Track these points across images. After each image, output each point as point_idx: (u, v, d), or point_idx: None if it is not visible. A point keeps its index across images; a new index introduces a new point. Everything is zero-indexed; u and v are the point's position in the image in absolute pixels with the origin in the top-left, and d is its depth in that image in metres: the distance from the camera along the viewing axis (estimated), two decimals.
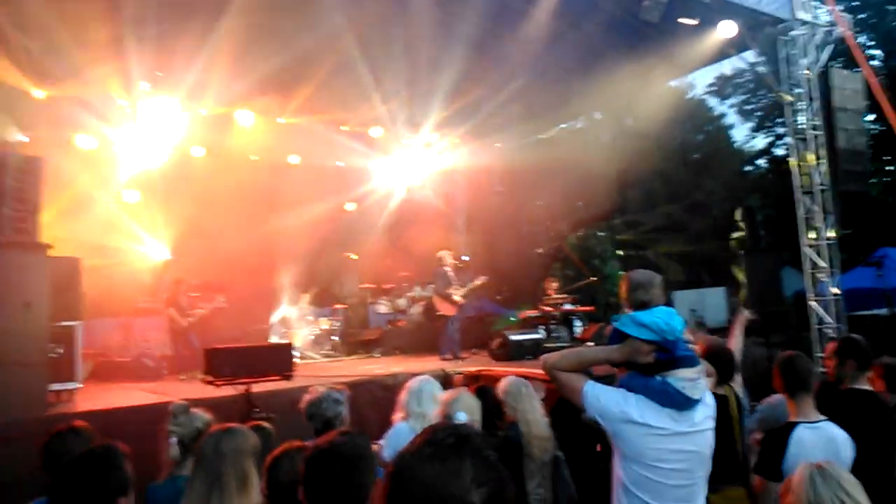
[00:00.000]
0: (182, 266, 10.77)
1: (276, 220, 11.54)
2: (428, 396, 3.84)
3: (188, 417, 3.26)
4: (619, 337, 2.55)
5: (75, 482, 2.38)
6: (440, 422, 2.79)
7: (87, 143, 9.98)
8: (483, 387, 4.21)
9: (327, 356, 11.20)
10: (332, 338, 11.68)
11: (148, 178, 11.11)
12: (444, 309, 9.73)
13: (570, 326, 11.16)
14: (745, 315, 4.61)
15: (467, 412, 3.46)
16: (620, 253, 19.06)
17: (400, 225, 13.45)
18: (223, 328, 10.32)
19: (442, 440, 1.23)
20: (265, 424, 3.53)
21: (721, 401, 3.69)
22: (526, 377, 4.13)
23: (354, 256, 13.54)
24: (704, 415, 2.53)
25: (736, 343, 4.30)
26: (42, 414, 5.67)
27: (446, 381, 7.36)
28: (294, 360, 7.19)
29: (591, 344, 8.82)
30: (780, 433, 3.12)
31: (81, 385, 6.89)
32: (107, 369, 8.96)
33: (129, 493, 2.47)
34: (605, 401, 2.47)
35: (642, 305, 2.61)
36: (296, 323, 11.27)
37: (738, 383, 3.98)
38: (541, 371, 2.75)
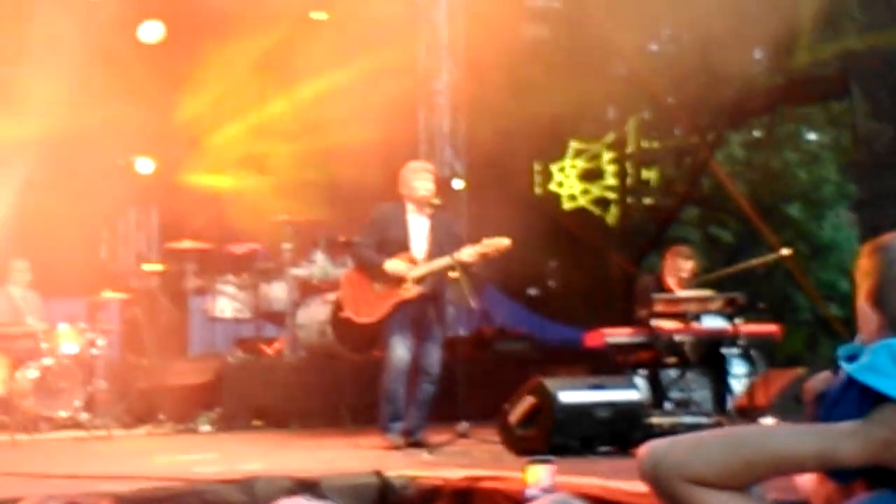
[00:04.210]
0: None
1: None
2: None
3: None
4: (857, 401, 2.01)
5: None
6: None
7: None
8: None
9: (76, 425, 9.29)
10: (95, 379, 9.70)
11: None
12: (355, 305, 8.06)
13: (717, 371, 9.03)
14: None
15: None
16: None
17: (298, 91, 11.75)
18: None
19: None
20: None
21: None
22: (591, 498, 4.01)
23: (147, 164, 11.35)
24: None
25: None
26: None
27: (384, 499, 6.01)
28: None
29: (772, 420, 7.75)
30: None
31: None
32: None
33: None
34: None
35: None
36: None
37: None
38: (638, 489, 3.10)
